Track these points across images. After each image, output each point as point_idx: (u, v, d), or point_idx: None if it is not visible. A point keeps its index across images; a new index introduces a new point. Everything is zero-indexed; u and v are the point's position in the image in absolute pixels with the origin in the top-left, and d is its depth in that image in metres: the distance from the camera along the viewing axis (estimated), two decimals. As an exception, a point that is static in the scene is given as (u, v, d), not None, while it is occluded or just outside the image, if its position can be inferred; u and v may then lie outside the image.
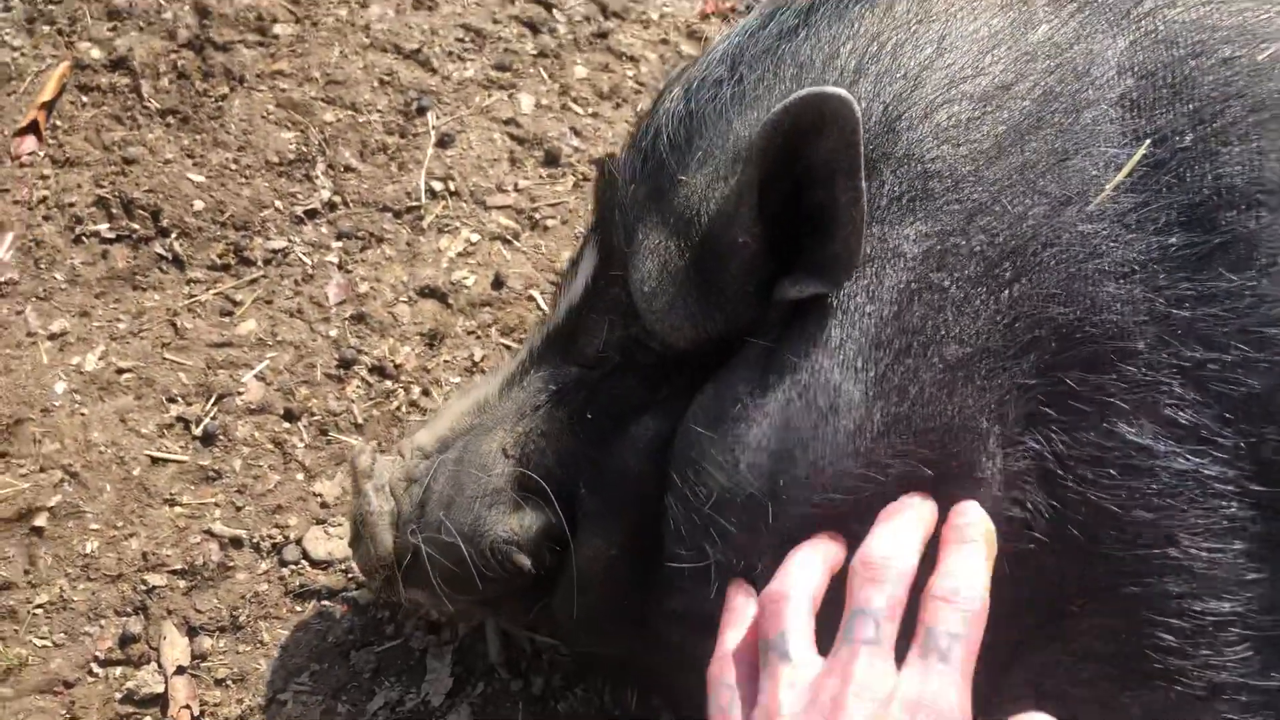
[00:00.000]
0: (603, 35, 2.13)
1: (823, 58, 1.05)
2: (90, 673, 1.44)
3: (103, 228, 1.83)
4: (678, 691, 1.26)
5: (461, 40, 2.10)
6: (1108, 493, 0.95)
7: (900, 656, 0.88)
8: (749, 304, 1.04)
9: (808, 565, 0.95)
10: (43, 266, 1.79)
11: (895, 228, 0.99)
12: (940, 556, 0.92)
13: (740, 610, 0.98)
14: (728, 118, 1.07)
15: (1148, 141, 0.95)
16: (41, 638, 1.46)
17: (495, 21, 2.14)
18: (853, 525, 0.97)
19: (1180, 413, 0.93)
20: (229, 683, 1.45)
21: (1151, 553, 0.94)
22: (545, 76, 2.07)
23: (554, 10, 2.16)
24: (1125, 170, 0.95)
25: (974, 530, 0.93)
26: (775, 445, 0.99)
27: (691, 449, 1.04)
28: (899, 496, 0.97)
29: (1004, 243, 0.96)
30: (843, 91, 0.92)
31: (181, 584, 1.51)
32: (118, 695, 1.43)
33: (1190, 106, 0.95)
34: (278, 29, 2.08)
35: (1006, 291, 0.96)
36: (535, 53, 2.10)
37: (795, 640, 0.90)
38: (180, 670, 1.44)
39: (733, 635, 0.97)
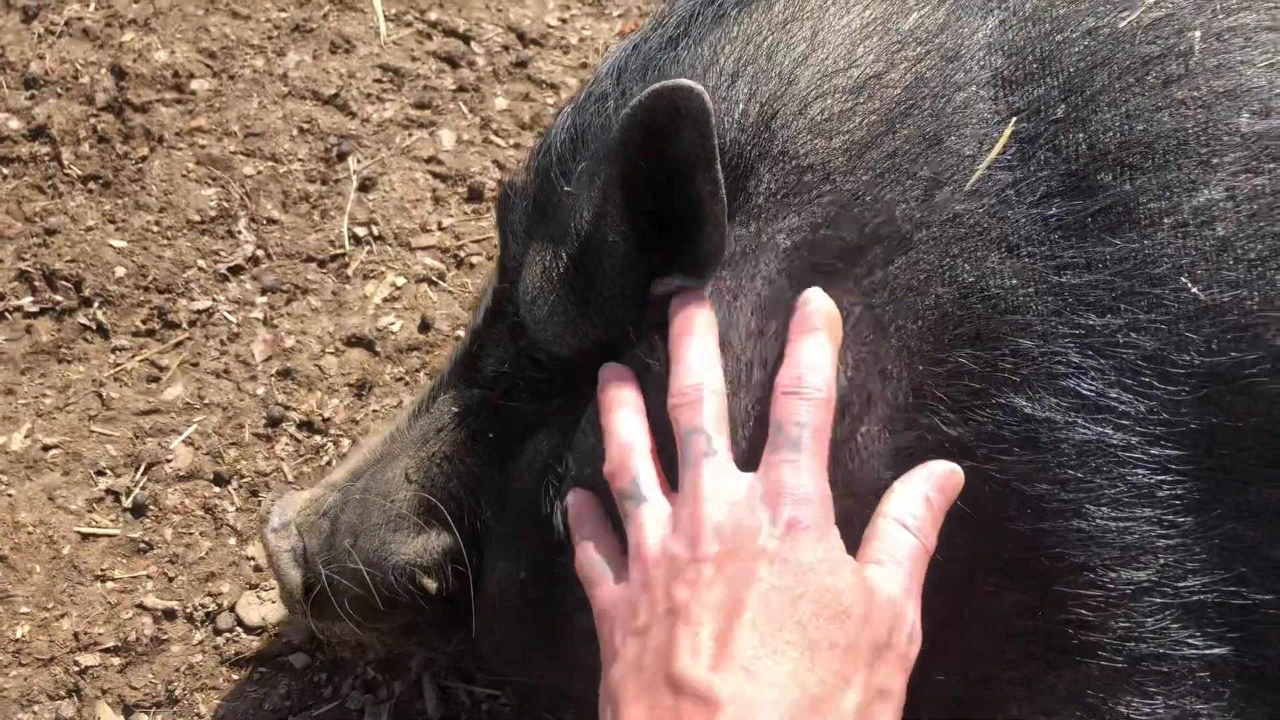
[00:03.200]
0: (522, 64, 2.11)
1: (703, 64, 1.06)
2: (25, 760, 1.43)
3: (25, 301, 1.82)
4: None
5: (380, 81, 2.08)
6: (1010, 470, 0.94)
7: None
8: (626, 307, 1.06)
9: (630, 420, 0.98)
10: (-34, 346, 1.78)
11: (771, 223, 1.00)
12: (787, 348, 0.95)
13: (582, 504, 1.02)
14: (610, 129, 1.07)
15: (1013, 119, 0.96)
16: (-26, 729, 1.45)
17: (413, 59, 2.12)
18: None
19: (1079, 382, 0.92)
20: (166, 759, 1.43)
21: (1060, 525, 0.94)
22: (466, 111, 2.06)
23: (472, 43, 2.14)
24: (997, 148, 0.96)
25: (817, 318, 0.95)
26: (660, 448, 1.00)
27: (581, 463, 1.05)
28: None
29: (875, 230, 0.97)
30: (693, 83, 0.93)
31: (115, 661, 1.50)
32: (53, 781, 1.41)
33: (1059, 79, 0.96)
34: (195, 84, 2.06)
35: (884, 274, 0.97)
36: (455, 88, 2.08)
37: (645, 482, 0.93)
38: (116, 751, 1.43)
39: (587, 529, 1.00)
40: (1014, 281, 0.94)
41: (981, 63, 0.99)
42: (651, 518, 0.90)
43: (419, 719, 1.45)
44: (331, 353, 1.78)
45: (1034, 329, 0.93)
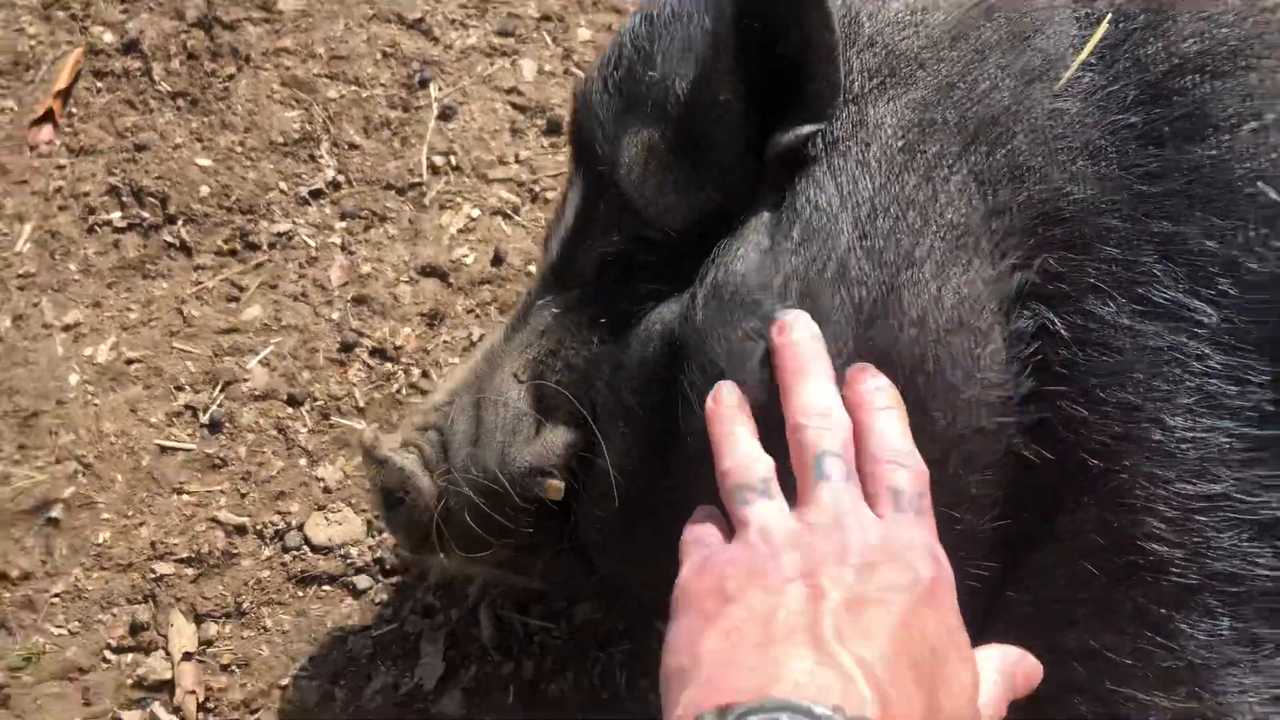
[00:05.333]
0: (608, -6, 2.08)
1: None
2: (104, 660, 1.51)
3: (115, 216, 1.87)
4: None
5: (464, 6, 2.07)
6: (1092, 375, 0.95)
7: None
8: (740, 169, 1.07)
9: (749, 437, 0.94)
10: (58, 258, 1.84)
11: (872, 105, 1.02)
12: (866, 423, 0.92)
13: (701, 511, 0.97)
14: (688, 11, 1.11)
15: (1105, 19, 0.98)
16: (58, 626, 1.53)
17: (499, -16, 2.10)
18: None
19: (1156, 289, 0.94)
20: (233, 668, 1.50)
21: (1137, 433, 0.95)
22: (549, 41, 2.04)
23: (559, -30, 2.11)
24: (1088, 48, 0.98)
25: (885, 395, 0.93)
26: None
27: (705, 325, 1.04)
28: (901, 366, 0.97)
29: (977, 115, 1.00)
30: None
31: (189, 572, 1.56)
32: (129, 681, 1.49)
33: None
34: (283, 4, 2.07)
35: (989, 163, 0.99)
36: (539, 16, 2.06)
37: (774, 486, 0.90)
38: (187, 657, 1.50)
39: (698, 522, 0.95)
40: (1097, 188, 0.96)
41: None
42: (780, 510, 0.88)
43: (473, 645, 1.50)
44: (406, 281, 1.80)
45: (1116, 234, 0.95)
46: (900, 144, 1.01)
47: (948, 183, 1.00)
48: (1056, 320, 0.97)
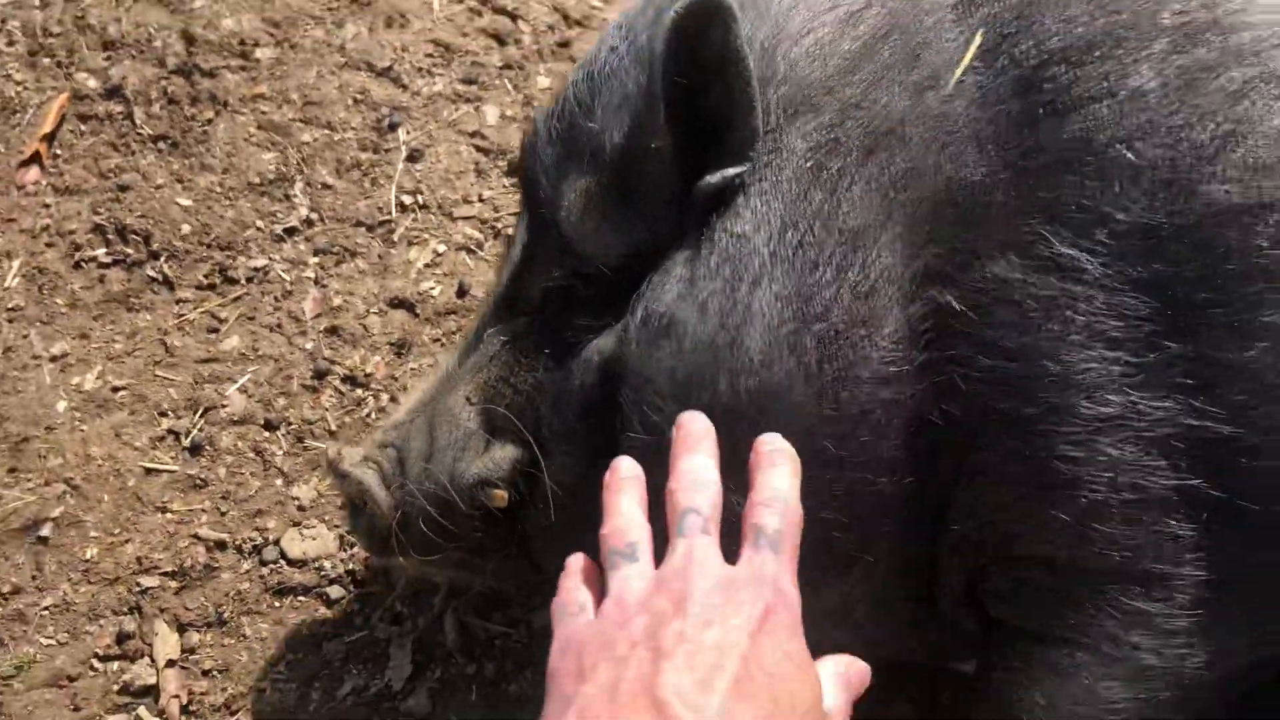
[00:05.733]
0: (565, 44, 2.22)
1: None
2: (91, 668, 1.61)
3: (100, 253, 1.99)
4: None
5: (431, 55, 2.21)
6: (994, 327, 1.11)
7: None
8: (669, 210, 1.21)
9: (633, 501, 1.01)
10: (45, 292, 1.95)
11: (786, 134, 1.17)
12: (756, 476, 1.00)
13: (573, 563, 1.03)
14: (624, 68, 1.25)
15: (979, 32, 1.16)
16: (47, 637, 1.63)
17: (464, 35, 2.24)
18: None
19: (1043, 247, 1.09)
20: (214, 673, 1.61)
21: (1038, 370, 1.10)
22: (510, 88, 2.18)
23: (519, 21, 2.26)
24: (968, 57, 1.15)
25: (780, 455, 1.00)
26: (710, 331, 1.15)
27: (638, 351, 1.18)
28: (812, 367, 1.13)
29: (878, 128, 1.15)
30: None
31: (172, 584, 1.67)
32: (115, 687, 1.59)
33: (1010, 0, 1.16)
34: (259, 53, 2.20)
35: (888, 169, 1.15)
36: (501, 65, 2.21)
37: (641, 549, 0.97)
38: (171, 663, 1.60)
39: (571, 579, 1.00)
40: (985, 169, 1.12)
41: None
42: (639, 574, 0.94)
43: (439, 650, 1.61)
44: (375, 313, 1.92)
45: (1005, 206, 1.11)
46: (809, 164, 1.16)
47: (850, 192, 1.15)
48: (951, 292, 1.12)
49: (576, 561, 1.02)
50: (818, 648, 0.94)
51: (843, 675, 0.98)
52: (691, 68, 1.15)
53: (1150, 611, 1.13)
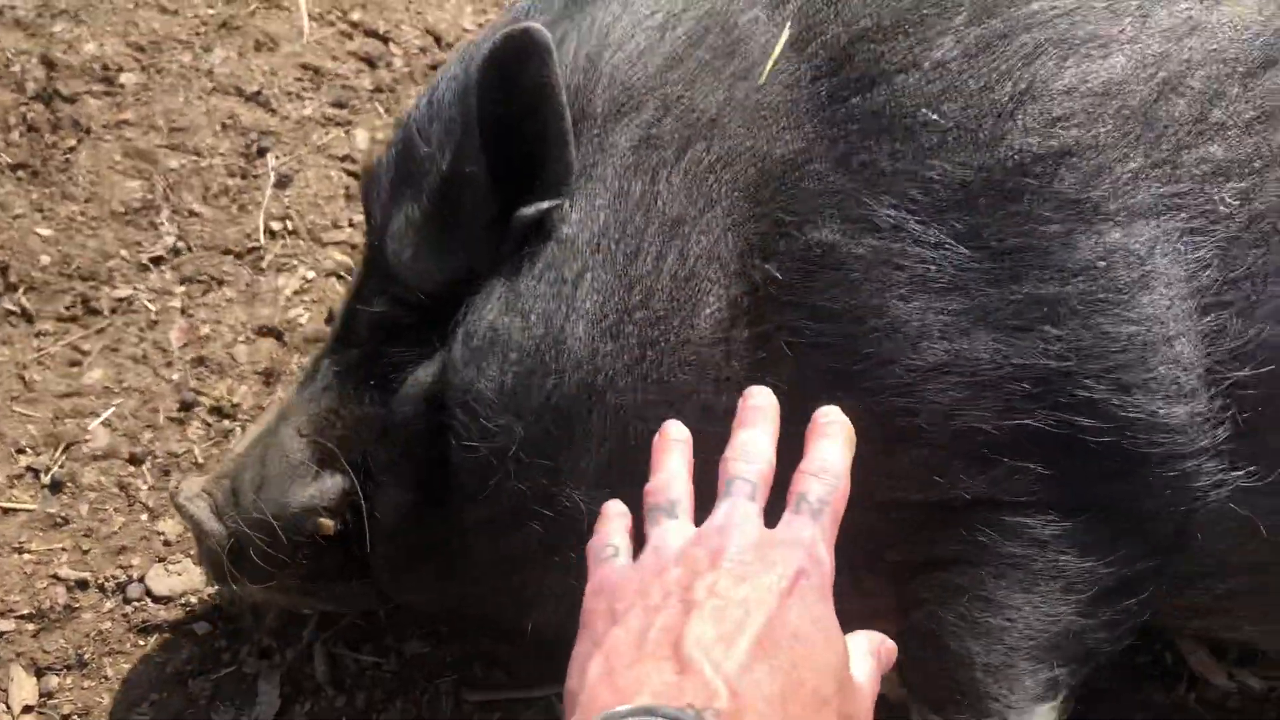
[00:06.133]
0: (436, 67, 2.22)
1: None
2: (-56, 716, 1.56)
3: (-46, 287, 1.93)
4: (502, 616, 1.42)
5: (300, 79, 2.19)
6: (818, 292, 1.16)
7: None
8: (487, 237, 1.25)
9: (680, 459, 1.05)
10: (-104, 328, 1.89)
11: (610, 133, 1.23)
12: (808, 447, 1.03)
13: (611, 508, 1.06)
14: (454, 97, 1.28)
15: (787, 25, 1.23)
16: (-103, 686, 1.57)
17: (334, 59, 2.23)
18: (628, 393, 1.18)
19: (863, 209, 1.15)
20: (74, 717, 1.57)
21: (864, 328, 1.15)
22: (381, 111, 2.17)
23: (390, 44, 2.25)
24: (780, 45, 1.22)
25: (834, 428, 1.04)
26: (536, 337, 1.19)
27: (464, 374, 1.21)
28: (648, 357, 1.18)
29: (697, 119, 1.22)
30: (537, 24, 1.16)
31: (30, 627, 1.63)
32: (-31, 736, 1.55)
33: None
34: (123, 78, 2.17)
35: (706, 157, 1.20)
36: (372, 88, 2.20)
37: (682, 507, 1.00)
38: (27, 709, 1.56)
39: (609, 521, 1.04)
40: (803, 144, 1.18)
41: None
42: (678, 529, 0.98)
43: (308, 683, 1.60)
44: (243, 341, 1.90)
45: (824, 175, 1.16)
46: (631, 161, 1.21)
47: (670, 182, 1.20)
48: (774, 264, 1.16)
49: (614, 507, 1.05)
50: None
51: (874, 650, 1.02)
52: (508, 98, 1.18)
53: (1020, 523, 1.18)
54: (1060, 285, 1.11)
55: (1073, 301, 1.11)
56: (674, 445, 1.06)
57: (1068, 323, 1.11)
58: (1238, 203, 1.12)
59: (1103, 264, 1.11)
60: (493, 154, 1.21)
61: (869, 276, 1.14)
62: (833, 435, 1.03)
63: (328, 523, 1.33)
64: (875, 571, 1.29)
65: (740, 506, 0.98)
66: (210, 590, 1.67)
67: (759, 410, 1.05)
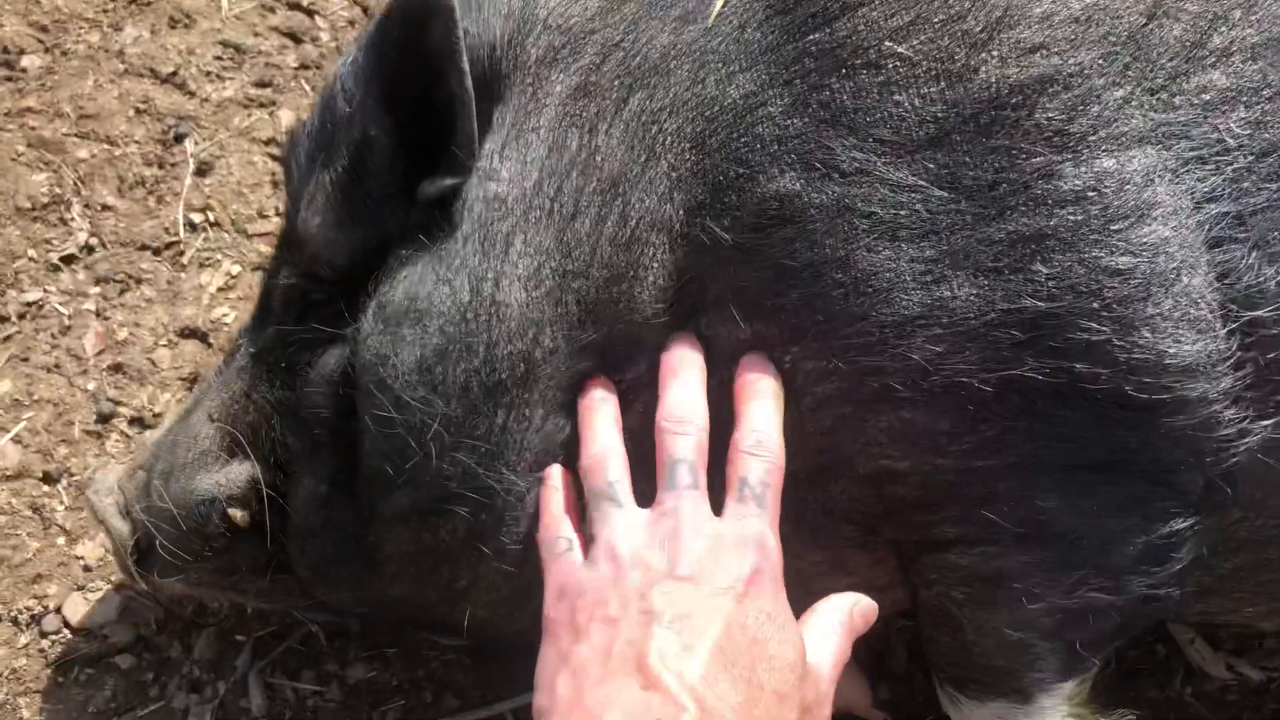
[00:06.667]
0: (366, 40, 2.07)
1: None
2: None
3: None
4: (434, 611, 1.31)
5: (220, 58, 2.04)
6: (776, 248, 1.06)
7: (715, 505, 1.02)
8: (395, 207, 1.15)
9: (610, 427, 1.07)
10: None
11: (545, 81, 1.13)
12: (738, 411, 1.05)
13: (554, 479, 1.10)
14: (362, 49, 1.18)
15: None
16: None
17: (255, 34, 2.07)
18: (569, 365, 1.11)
19: (826, 153, 1.05)
20: (-12, 765, 1.44)
21: (827, 285, 1.05)
22: (308, 89, 2.02)
23: (316, 17, 2.10)
24: None
25: (762, 384, 1.06)
26: (461, 304, 1.09)
27: (377, 349, 1.12)
28: (590, 325, 1.09)
29: (639, 65, 1.11)
30: None
31: (-63, 668, 1.50)
32: (-128, 791, 1.42)
33: None
34: (25, 61, 2.01)
35: (648, 106, 1.10)
36: (297, 65, 2.05)
37: (622, 489, 1.03)
38: (-64, 759, 1.43)
39: (554, 500, 1.08)
40: (754, 86, 1.08)
41: None
42: (626, 523, 0.99)
43: (244, 716, 1.48)
44: (165, 345, 1.76)
45: (778, 121, 1.06)
46: (567, 110, 1.11)
47: (609, 134, 1.10)
48: (724, 222, 1.07)
49: (555, 477, 1.08)
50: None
51: (844, 620, 1.03)
52: (413, 60, 1.10)
53: (1021, 490, 1.09)
54: (1047, 218, 1.02)
55: (1063, 233, 1.02)
56: (599, 404, 1.07)
57: (1057, 258, 1.02)
58: (1247, 133, 1.03)
59: (1093, 193, 1.01)
60: (401, 117, 1.13)
61: (832, 228, 1.05)
62: (762, 394, 1.04)
63: (237, 513, 1.25)
64: (867, 548, 1.21)
65: (686, 498, 1.00)
66: (134, 619, 1.54)
67: (686, 359, 1.07)
